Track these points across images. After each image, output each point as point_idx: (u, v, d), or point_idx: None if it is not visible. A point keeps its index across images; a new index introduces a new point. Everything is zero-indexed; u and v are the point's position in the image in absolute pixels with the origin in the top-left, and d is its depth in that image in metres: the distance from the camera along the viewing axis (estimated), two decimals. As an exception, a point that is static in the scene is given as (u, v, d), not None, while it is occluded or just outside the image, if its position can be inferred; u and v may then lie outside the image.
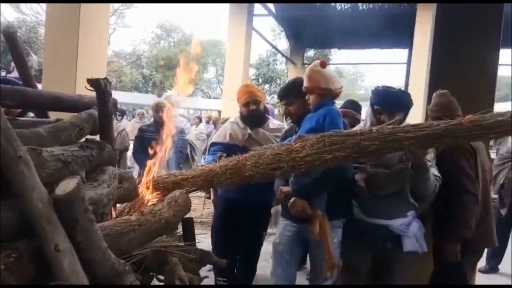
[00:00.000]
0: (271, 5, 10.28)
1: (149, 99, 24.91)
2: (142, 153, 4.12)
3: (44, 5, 22.34)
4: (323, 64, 2.29)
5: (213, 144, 3.05)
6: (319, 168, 2.03)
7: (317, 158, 1.93)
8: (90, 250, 1.26)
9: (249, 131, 2.93)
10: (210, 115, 11.34)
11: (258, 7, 9.74)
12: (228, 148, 2.81)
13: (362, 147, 1.88)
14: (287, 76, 16.73)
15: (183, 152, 4.83)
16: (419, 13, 8.51)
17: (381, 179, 2.29)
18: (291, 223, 2.42)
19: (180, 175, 2.21)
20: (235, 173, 2.07)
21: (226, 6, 9.29)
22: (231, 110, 7.90)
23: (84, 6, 4.16)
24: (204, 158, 5.56)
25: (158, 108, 4.37)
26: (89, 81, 1.76)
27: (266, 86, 22.57)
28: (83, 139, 1.81)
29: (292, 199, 2.22)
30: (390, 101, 2.25)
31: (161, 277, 1.73)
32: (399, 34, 9.36)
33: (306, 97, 2.34)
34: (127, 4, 23.11)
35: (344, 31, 10.63)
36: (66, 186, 1.26)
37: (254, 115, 2.92)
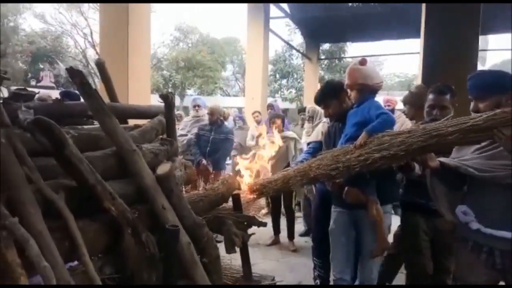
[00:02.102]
0: (285, 5, 10.86)
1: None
2: (197, 147, 5.45)
3: (67, 15, 23.25)
4: (363, 62, 2.41)
5: (309, 143, 3.42)
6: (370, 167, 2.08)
7: (368, 157, 2.04)
8: (181, 209, 1.91)
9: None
10: (229, 113, 11.89)
11: (273, 9, 10.36)
12: (322, 145, 2.94)
13: (407, 144, 1.93)
14: (304, 71, 17.22)
15: (230, 150, 5.92)
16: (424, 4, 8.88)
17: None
18: (343, 210, 2.57)
19: (266, 179, 2.64)
20: (304, 175, 2.35)
21: (243, 6, 9.93)
22: (253, 108, 8.57)
23: (131, 17, 4.88)
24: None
25: (210, 112, 5.52)
26: (161, 96, 2.42)
27: (284, 81, 23.05)
28: (157, 138, 2.48)
29: (346, 188, 2.34)
30: (476, 86, 1.94)
31: (221, 237, 2.38)
32: (408, 24, 9.71)
33: (349, 94, 2.48)
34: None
35: (356, 25, 11.18)
36: (163, 168, 1.93)
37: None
